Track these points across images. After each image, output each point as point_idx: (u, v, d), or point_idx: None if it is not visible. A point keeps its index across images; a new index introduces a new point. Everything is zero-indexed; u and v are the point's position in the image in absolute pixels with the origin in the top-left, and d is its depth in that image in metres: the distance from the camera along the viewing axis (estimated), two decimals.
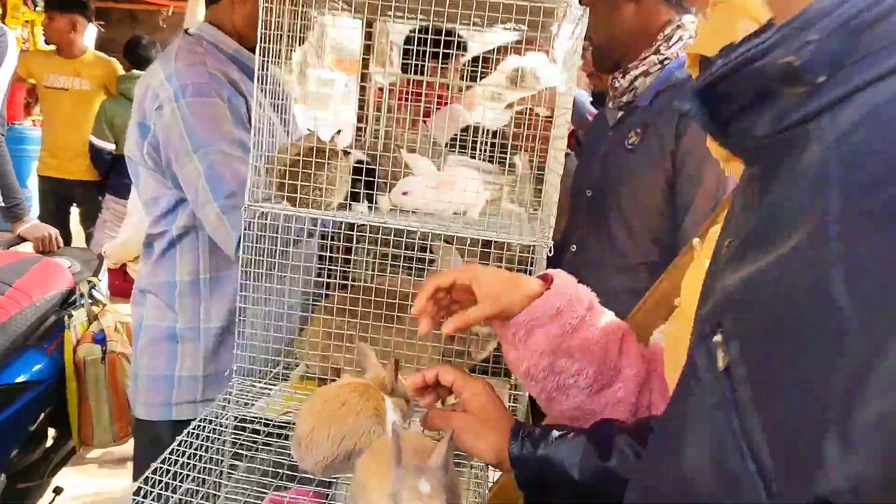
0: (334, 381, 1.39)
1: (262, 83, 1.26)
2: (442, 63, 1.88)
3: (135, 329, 1.74)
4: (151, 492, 0.97)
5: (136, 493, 0.96)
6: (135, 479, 1.80)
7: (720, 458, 0.39)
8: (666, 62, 1.56)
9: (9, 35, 3.07)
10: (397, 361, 1.02)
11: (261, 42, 1.22)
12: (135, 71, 4.43)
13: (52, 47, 4.54)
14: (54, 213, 4.44)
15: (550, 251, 1.26)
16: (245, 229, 1.32)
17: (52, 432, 2.51)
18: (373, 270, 1.63)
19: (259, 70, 1.25)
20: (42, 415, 2.38)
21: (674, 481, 0.45)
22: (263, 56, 1.23)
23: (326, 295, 1.53)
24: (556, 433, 0.91)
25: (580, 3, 1.21)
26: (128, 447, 2.66)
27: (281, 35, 1.25)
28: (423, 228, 1.25)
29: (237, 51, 1.68)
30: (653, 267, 1.55)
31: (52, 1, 4.32)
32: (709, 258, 1.02)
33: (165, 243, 1.65)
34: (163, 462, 1.04)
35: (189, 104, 1.51)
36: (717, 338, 0.41)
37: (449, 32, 2.04)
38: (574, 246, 1.70)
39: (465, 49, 2.43)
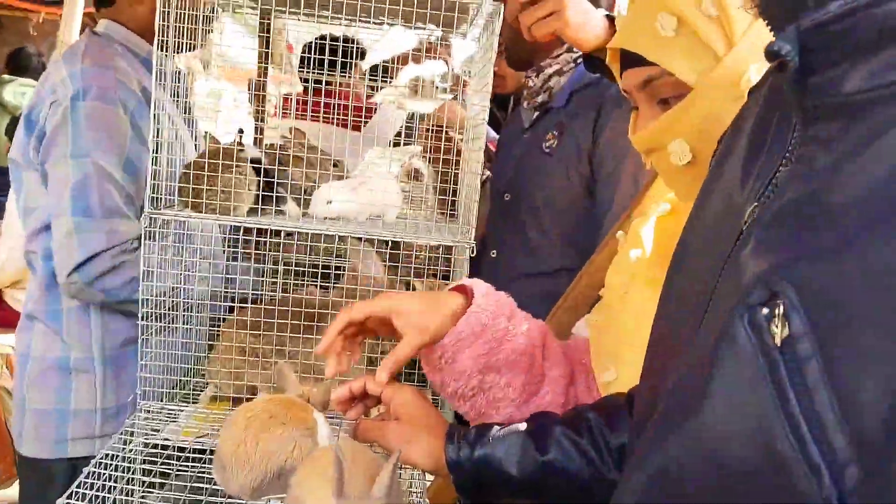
0: (250, 399, 1.31)
1: (160, 80, 1.17)
2: (341, 72, 1.83)
3: (21, 359, 1.57)
4: None
5: None
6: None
7: (764, 438, 0.37)
8: (579, 60, 1.55)
9: None
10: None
11: (159, 35, 1.13)
12: (5, 76, 4.13)
13: None
14: None
15: (473, 252, 1.25)
16: (146, 238, 1.22)
17: None
18: (280, 280, 1.55)
19: (157, 66, 1.16)
20: None
21: (696, 456, 0.43)
22: (163, 51, 1.15)
23: (234, 309, 1.44)
24: (492, 432, 0.89)
25: None
26: (10, 491, 2.42)
27: (182, 28, 1.17)
28: (343, 232, 1.21)
29: (150, 52, 1.56)
30: (573, 272, 1.55)
31: None
32: (634, 248, 1.05)
33: (46, 263, 1.48)
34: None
35: (86, 107, 1.39)
36: (777, 310, 0.38)
37: (347, 39, 2.00)
38: (494, 251, 1.68)
39: (363, 56, 2.39)
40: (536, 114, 1.62)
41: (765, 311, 0.39)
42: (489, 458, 0.86)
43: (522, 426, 0.90)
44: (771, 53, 0.44)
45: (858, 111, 0.40)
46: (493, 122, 2.06)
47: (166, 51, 1.16)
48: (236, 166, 1.22)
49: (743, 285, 0.42)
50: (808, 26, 0.42)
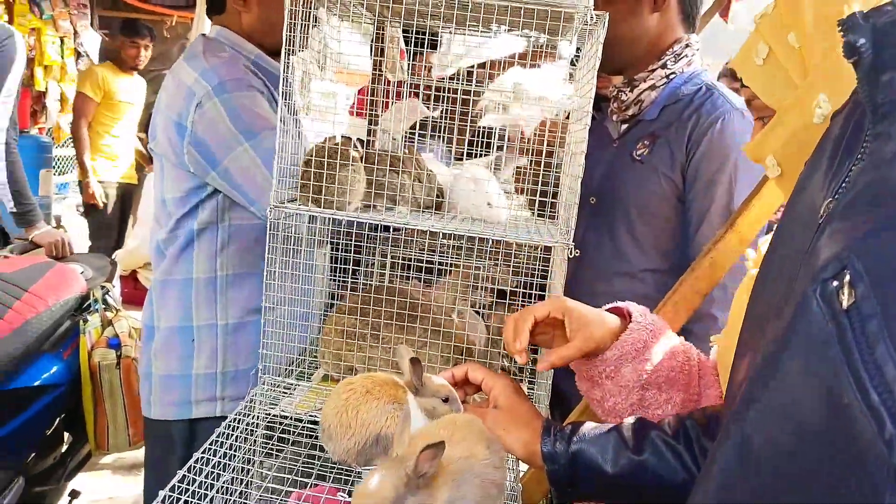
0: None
1: (287, 84, 1.30)
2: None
3: (147, 330, 1.75)
4: (179, 498, 0.96)
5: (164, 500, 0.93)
6: (147, 479, 1.84)
7: (833, 395, 0.41)
8: (672, 77, 1.62)
9: (17, 37, 3.11)
10: (417, 360, 1.04)
11: (286, 43, 1.26)
12: None
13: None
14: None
15: (571, 252, 1.30)
16: (270, 230, 1.35)
17: (67, 437, 2.54)
18: (386, 272, 1.67)
19: (285, 65, 1.28)
20: (58, 419, 2.42)
21: (773, 422, 0.48)
22: (288, 55, 1.27)
23: (342, 296, 1.56)
24: (587, 429, 0.94)
25: (596, 6, 1.24)
26: (142, 452, 2.70)
27: (304, 36, 1.29)
28: (448, 230, 1.29)
29: (259, 56, 1.72)
30: (658, 274, 1.60)
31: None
32: (755, 267, 1.07)
33: (184, 241, 1.66)
34: (195, 462, 1.05)
35: (231, 98, 1.54)
36: (844, 279, 0.42)
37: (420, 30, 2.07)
38: (576, 251, 1.74)
39: (435, 47, 2.46)
40: (625, 125, 1.67)
41: (834, 283, 0.43)
42: (584, 454, 0.91)
43: (619, 426, 0.95)
44: (847, 46, 0.48)
45: None
46: None
47: (293, 54, 1.28)
48: (350, 164, 1.33)
49: (817, 267, 0.46)
50: (884, 22, 0.45)
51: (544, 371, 1.00)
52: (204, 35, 1.78)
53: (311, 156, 1.35)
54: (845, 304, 0.42)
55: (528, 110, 2.13)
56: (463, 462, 0.76)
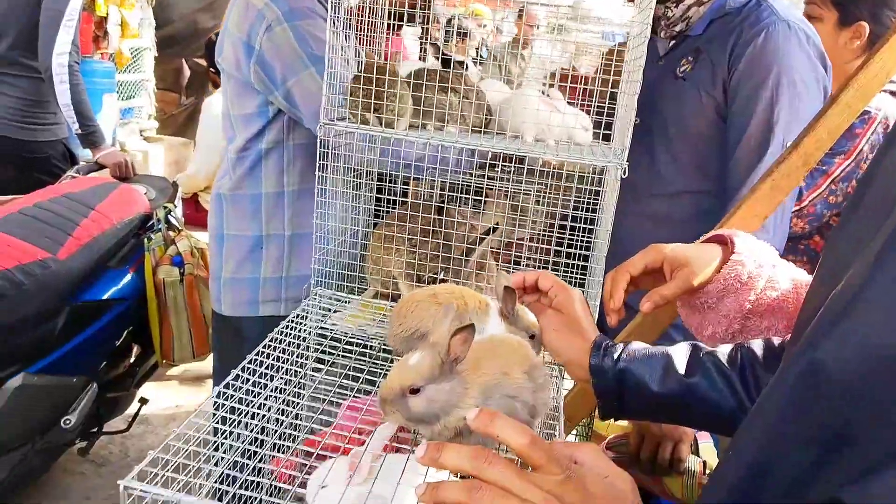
0: (396, 292, 1.48)
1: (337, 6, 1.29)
2: None
3: (217, 238, 1.86)
4: (241, 387, 1.04)
5: (227, 386, 1.01)
6: (215, 367, 1.96)
7: None
8: None
9: None
10: (512, 289, 1.03)
11: None
12: None
13: None
14: None
15: (624, 173, 1.28)
16: (320, 147, 1.37)
17: (135, 348, 2.71)
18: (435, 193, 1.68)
19: None
20: (126, 331, 2.58)
21: (850, 350, 0.50)
22: None
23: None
24: (638, 347, 0.95)
25: None
26: (205, 365, 2.86)
27: None
28: (508, 151, 1.29)
29: None
30: (697, 196, 1.56)
31: None
32: None
33: (253, 160, 1.77)
34: (249, 363, 1.12)
35: (300, 25, 1.59)
36: None
37: None
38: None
39: None
40: (672, 42, 1.61)
41: None
42: (632, 371, 0.93)
43: (672, 348, 0.95)
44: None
45: None
46: None
47: None
48: (398, 82, 1.33)
49: None
50: None
51: (648, 312, 1.00)
52: None
53: (360, 73, 1.35)
54: None
55: (585, 33, 2.06)
56: (496, 377, 0.78)
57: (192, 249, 2.71)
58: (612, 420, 1.67)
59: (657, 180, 1.65)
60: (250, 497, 0.83)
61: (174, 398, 3.39)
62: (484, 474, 0.62)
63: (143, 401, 2.69)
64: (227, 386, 0.97)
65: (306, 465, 0.89)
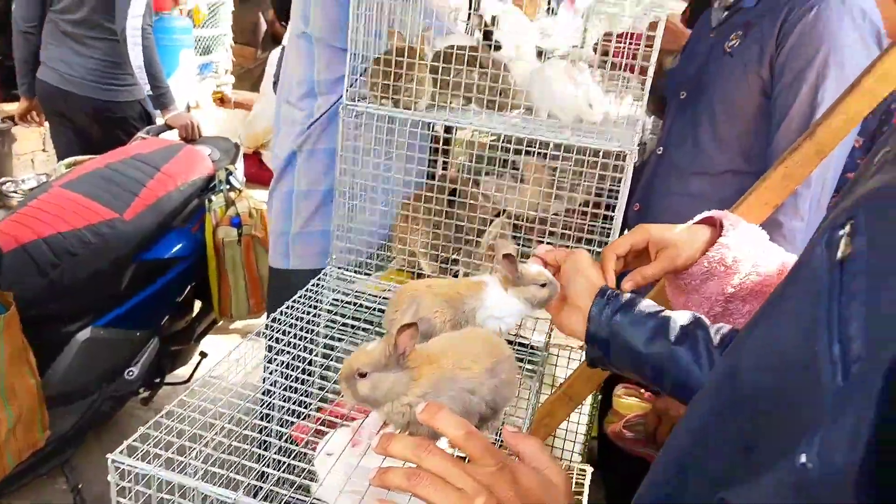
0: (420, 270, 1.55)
1: None
2: None
3: (284, 194, 1.95)
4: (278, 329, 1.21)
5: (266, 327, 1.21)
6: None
7: (809, 339, 0.45)
8: None
9: None
10: (511, 255, 1.08)
11: None
12: None
13: None
14: None
15: (635, 156, 1.29)
16: (343, 127, 1.45)
17: (197, 304, 2.92)
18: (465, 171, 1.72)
19: None
20: (188, 287, 2.78)
21: (757, 359, 0.53)
22: None
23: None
24: (643, 306, 0.99)
25: None
26: (261, 320, 3.05)
27: None
28: (522, 134, 1.32)
29: None
30: (740, 176, 1.52)
31: None
32: None
33: (331, 115, 1.82)
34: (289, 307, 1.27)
35: None
36: (845, 230, 0.46)
37: None
38: (660, 148, 1.70)
39: None
40: (726, 13, 1.55)
41: (839, 232, 0.46)
42: (625, 327, 0.97)
43: (673, 314, 0.98)
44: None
45: None
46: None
47: None
48: (416, 64, 1.37)
49: (838, 210, 0.49)
50: None
51: (627, 291, 1.03)
52: None
53: (380, 54, 1.40)
54: (840, 255, 0.45)
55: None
56: (451, 371, 0.84)
57: (250, 210, 2.87)
58: (628, 399, 1.70)
59: (701, 158, 1.64)
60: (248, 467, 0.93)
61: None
62: (423, 463, 0.69)
63: (203, 354, 2.91)
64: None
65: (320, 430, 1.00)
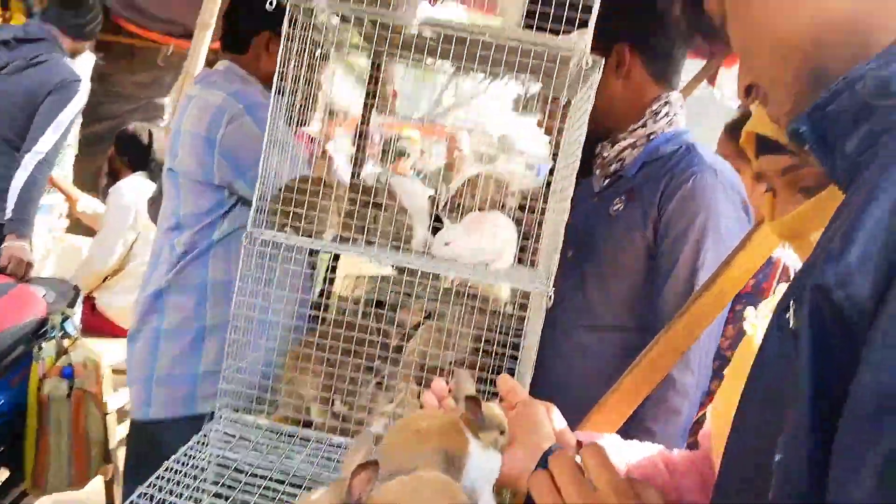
0: (308, 420, 1.43)
1: (275, 113, 1.34)
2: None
3: (151, 338, 1.86)
4: None
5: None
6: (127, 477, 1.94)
7: (776, 392, 0.52)
8: (652, 136, 1.70)
9: (84, 84, 3.39)
10: (475, 398, 0.96)
11: (279, 77, 1.30)
12: None
13: None
14: None
15: (550, 300, 1.32)
16: (245, 256, 1.37)
17: (2, 473, 2.49)
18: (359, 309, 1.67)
19: (274, 102, 1.33)
20: None
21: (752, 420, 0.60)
22: (279, 88, 1.32)
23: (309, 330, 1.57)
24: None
25: None
26: (79, 496, 2.63)
27: (297, 75, 1.35)
28: (434, 270, 1.32)
29: (262, 92, 1.91)
30: (625, 332, 1.63)
31: None
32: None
33: (202, 249, 1.86)
34: (139, 496, 1.07)
35: (262, 119, 1.61)
36: (792, 306, 0.52)
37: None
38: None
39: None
40: (607, 181, 1.74)
41: (786, 314, 0.52)
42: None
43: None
44: (792, 132, 0.59)
45: (859, 167, 0.55)
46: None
47: (283, 93, 1.34)
48: (332, 195, 1.36)
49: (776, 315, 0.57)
50: (812, 108, 0.56)
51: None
52: (215, 68, 2.01)
53: (289, 183, 1.38)
54: (794, 326, 0.50)
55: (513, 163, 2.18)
56: None
57: (85, 361, 2.58)
58: None
59: (587, 313, 1.70)
60: None
61: None
62: None
63: None
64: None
65: None
